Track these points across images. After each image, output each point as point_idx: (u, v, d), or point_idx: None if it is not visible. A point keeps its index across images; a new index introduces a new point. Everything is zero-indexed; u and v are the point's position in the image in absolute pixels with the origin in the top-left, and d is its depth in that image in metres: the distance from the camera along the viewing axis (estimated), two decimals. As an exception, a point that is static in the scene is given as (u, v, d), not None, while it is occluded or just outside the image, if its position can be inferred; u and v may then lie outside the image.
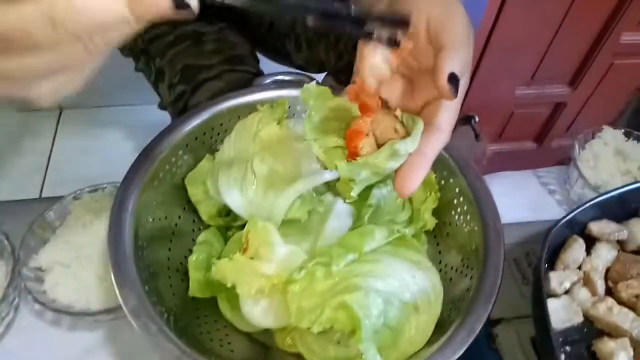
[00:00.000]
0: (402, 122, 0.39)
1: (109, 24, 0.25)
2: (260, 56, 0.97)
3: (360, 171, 0.37)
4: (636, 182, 0.50)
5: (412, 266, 0.45)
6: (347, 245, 0.44)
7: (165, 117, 0.83)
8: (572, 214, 0.46)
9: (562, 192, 0.77)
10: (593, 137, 0.77)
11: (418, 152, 0.36)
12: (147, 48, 0.82)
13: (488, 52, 1.63)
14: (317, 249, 0.45)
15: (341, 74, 0.83)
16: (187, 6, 0.25)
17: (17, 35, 0.24)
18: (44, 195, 1.50)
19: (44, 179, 1.55)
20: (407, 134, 0.37)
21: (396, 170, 0.37)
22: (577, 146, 0.75)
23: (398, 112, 0.40)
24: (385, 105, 0.40)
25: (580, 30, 1.64)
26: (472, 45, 0.39)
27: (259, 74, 0.82)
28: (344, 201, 0.51)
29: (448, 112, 0.38)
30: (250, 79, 0.79)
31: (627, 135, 0.76)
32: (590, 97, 1.84)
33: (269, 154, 0.50)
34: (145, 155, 0.51)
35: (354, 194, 0.37)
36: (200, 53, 0.78)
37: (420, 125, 0.37)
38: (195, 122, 0.55)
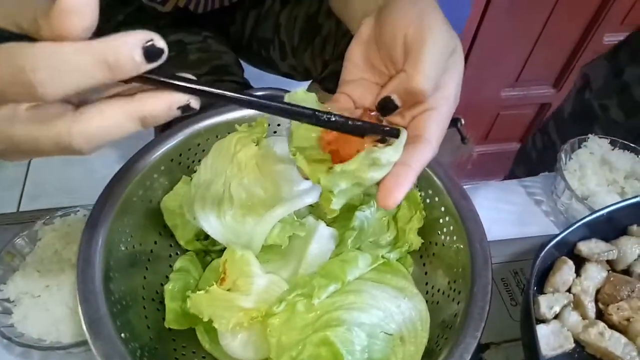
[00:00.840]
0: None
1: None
2: (245, 65, 0.95)
3: (339, 181, 0.34)
4: (625, 200, 0.49)
5: (397, 294, 0.43)
6: (329, 275, 0.42)
7: (150, 125, 0.80)
8: (561, 236, 0.45)
9: (548, 202, 0.76)
10: (579, 147, 0.76)
11: (403, 163, 0.34)
12: None
13: (473, 55, 1.62)
14: (298, 278, 0.43)
15: (327, 81, 0.81)
16: (193, 109, 0.27)
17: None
18: (22, 208, 1.46)
19: (22, 191, 1.51)
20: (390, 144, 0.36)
21: (379, 182, 0.35)
22: (563, 156, 0.74)
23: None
24: (370, 116, 0.38)
25: (564, 32, 1.64)
26: (455, 59, 0.38)
27: (245, 83, 0.80)
28: (326, 224, 0.49)
29: (436, 125, 0.37)
30: (238, 89, 0.77)
31: (613, 144, 0.75)
32: (574, 98, 1.84)
33: (247, 176, 0.48)
34: (117, 180, 0.48)
35: (334, 206, 0.35)
36: (185, 63, 0.76)
37: (403, 135, 0.35)
38: (171, 143, 0.52)
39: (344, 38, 0.75)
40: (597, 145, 0.75)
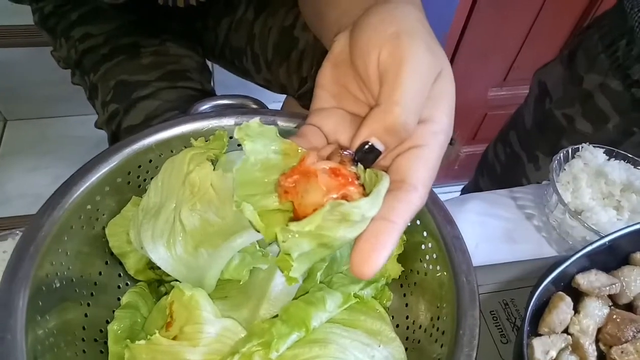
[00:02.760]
0: (358, 179, 0.30)
1: None
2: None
3: (300, 242, 0.27)
4: (628, 226, 0.44)
5: (370, 341, 0.37)
6: (291, 321, 0.36)
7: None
8: (558, 270, 0.39)
9: (540, 216, 0.71)
10: (572, 156, 0.71)
11: (382, 218, 0.27)
12: (81, 61, 0.74)
13: (459, 55, 1.58)
14: (254, 325, 0.37)
15: (306, 99, 0.75)
16: None
17: None
18: (-15, 216, 1.38)
19: (-14, 197, 1.43)
20: (366, 194, 0.29)
21: (354, 243, 0.28)
22: (555, 166, 0.68)
23: (361, 167, 0.31)
24: (343, 156, 0.30)
25: (551, 31, 1.61)
26: (442, 85, 0.31)
27: (205, 90, 0.74)
28: (293, 254, 0.43)
29: (424, 167, 0.30)
30: (194, 96, 0.71)
31: (609, 154, 0.70)
32: (562, 98, 1.81)
33: (201, 201, 0.42)
34: (50, 205, 0.42)
35: (294, 274, 0.27)
36: (136, 67, 0.69)
37: (385, 180, 0.28)
38: (115, 160, 0.46)
39: (323, 54, 0.69)
40: (591, 155, 0.70)
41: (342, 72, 0.34)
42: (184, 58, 0.71)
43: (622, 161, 0.69)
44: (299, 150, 0.31)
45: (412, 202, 0.28)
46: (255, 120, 0.31)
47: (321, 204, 0.27)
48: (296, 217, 0.29)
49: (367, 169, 0.30)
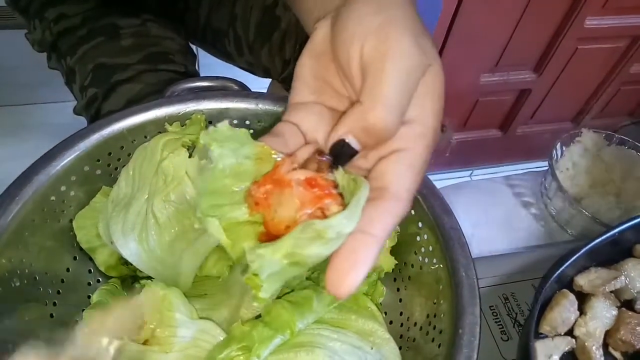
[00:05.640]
0: (336, 187, 0.27)
1: None
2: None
3: (269, 262, 0.24)
4: (633, 218, 0.41)
5: (362, 343, 0.34)
6: (275, 323, 0.32)
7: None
8: (563, 268, 0.36)
9: (538, 204, 0.68)
10: (572, 142, 0.68)
11: (361, 232, 0.25)
12: (57, 43, 0.69)
13: (450, 40, 1.54)
14: (234, 327, 0.33)
15: (289, 82, 0.71)
16: None
17: None
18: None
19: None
20: (344, 204, 0.26)
21: (329, 259, 0.25)
22: (554, 152, 0.66)
23: (340, 172, 0.27)
24: (321, 161, 0.27)
25: (545, 15, 1.57)
26: (430, 81, 0.28)
27: (189, 73, 0.70)
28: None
29: (407, 172, 0.27)
30: (177, 80, 0.67)
31: (609, 139, 0.67)
32: (555, 83, 1.79)
33: (175, 191, 0.38)
34: (7, 198, 0.38)
35: (263, 295, 0.24)
36: (116, 50, 0.65)
37: (364, 190, 0.25)
38: (82, 147, 0.42)
39: (307, 34, 0.65)
40: (591, 141, 0.67)
41: (322, 64, 0.31)
42: (166, 40, 0.67)
43: (622, 147, 0.67)
44: (273, 155, 0.28)
45: (394, 213, 0.25)
46: (224, 124, 0.27)
47: (294, 219, 0.25)
48: (267, 232, 0.26)
49: (346, 174, 0.27)
